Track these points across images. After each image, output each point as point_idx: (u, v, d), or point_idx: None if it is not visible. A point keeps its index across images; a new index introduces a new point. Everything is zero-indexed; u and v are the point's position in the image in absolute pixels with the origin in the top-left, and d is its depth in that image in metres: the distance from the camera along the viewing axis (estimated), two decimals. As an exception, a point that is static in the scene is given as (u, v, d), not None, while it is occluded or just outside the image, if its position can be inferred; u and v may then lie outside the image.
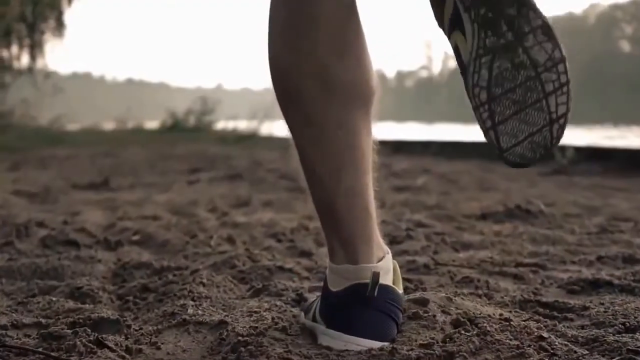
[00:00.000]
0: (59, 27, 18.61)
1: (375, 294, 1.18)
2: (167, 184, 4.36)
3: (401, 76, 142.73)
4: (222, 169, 5.52)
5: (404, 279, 1.51)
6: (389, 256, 1.25)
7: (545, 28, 1.21)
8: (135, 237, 2.09)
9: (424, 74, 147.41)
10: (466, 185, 4.36)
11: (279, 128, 12.17)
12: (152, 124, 15.12)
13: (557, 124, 1.22)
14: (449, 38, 1.29)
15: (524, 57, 1.22)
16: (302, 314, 1.29)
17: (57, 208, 2.95)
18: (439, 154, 7.48)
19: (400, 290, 1.24)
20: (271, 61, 1.25)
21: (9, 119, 10.63)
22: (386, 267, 1.22)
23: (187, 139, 11.45)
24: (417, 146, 7.95)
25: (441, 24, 1.30)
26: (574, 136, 9.01)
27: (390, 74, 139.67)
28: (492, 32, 1.22)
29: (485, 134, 1.21)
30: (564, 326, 1.21)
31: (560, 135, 1.21)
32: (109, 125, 15.18)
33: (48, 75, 16.39)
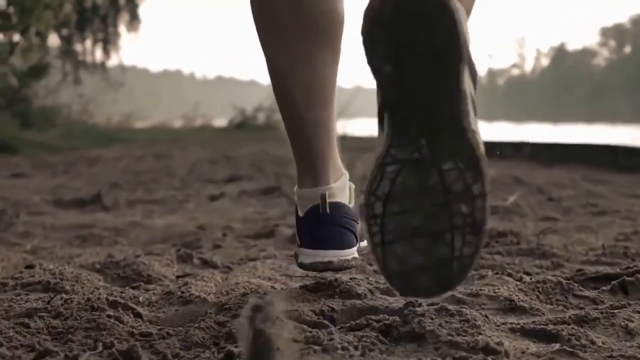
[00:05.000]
0: (133, 21, 18.23)
1: (328, 211, 1.37)
2: (181, 200, 3.41)
3: (492, 74, 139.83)
4: (266, 178, 4.53)
5: None
6: (345, 177, 1.45)
7: (471, 156, 1.07)
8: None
9: (515, 72, 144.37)
10: (572, 205, 3.25)
11: (353, 127, 11.23)
12: (223, 122, 14.41)
13: (459, 263, 1.04)
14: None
15: (435, 180, 1.05)
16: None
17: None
18: (533, 158, 6.31)
19: (352, 204, 1.43)
20: None
21: (64, 115, 9.89)
22: (341, 187, 1.42)
23: (255, 138, 10.55)
24: (508, 148, 6.75)
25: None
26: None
27: (482, 72, 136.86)
28: (405, 141, 1.06)
29: (372, 249, 1.09)
30: None
31: (462, 276, 1.05)
32: (178, 123, 14.51)
33: (121, 69, 15.95)
